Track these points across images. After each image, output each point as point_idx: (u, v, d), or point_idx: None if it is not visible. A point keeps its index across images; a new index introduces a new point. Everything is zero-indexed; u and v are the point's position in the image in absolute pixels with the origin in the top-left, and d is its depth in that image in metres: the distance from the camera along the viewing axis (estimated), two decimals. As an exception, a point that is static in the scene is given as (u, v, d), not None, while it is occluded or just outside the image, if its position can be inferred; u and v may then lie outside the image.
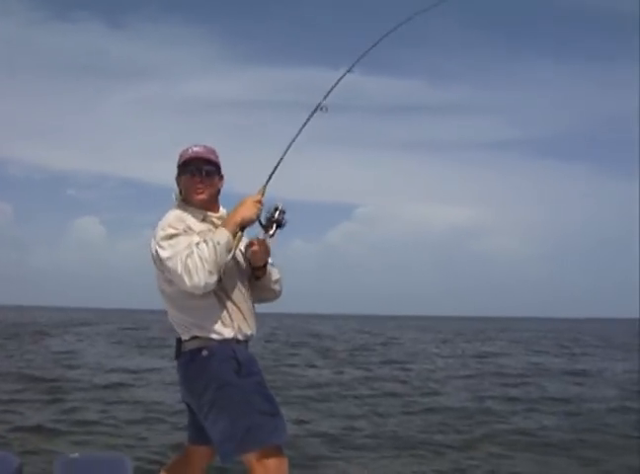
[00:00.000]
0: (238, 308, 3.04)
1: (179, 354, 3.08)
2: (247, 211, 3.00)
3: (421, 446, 7.62)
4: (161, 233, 2.93)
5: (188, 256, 2.79)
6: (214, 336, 2.96)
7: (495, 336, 44.65)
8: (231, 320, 3.00)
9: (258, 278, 3.18)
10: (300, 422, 8.64)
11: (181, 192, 3.15)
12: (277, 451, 2.90)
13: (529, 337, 43.92)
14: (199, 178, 3.09)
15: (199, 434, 3.11)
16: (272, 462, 2.88)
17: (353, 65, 3.43)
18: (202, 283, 2.80)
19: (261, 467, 2.86)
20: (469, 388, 13.24)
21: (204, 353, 2.96)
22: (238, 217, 2.98)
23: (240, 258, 3.11)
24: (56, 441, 6.88)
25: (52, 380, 12.28)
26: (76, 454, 3.34)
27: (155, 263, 2.97)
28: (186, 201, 3.12)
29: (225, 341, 2.97)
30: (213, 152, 3.17)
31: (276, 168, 3.13)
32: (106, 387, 11.58)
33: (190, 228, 2.98)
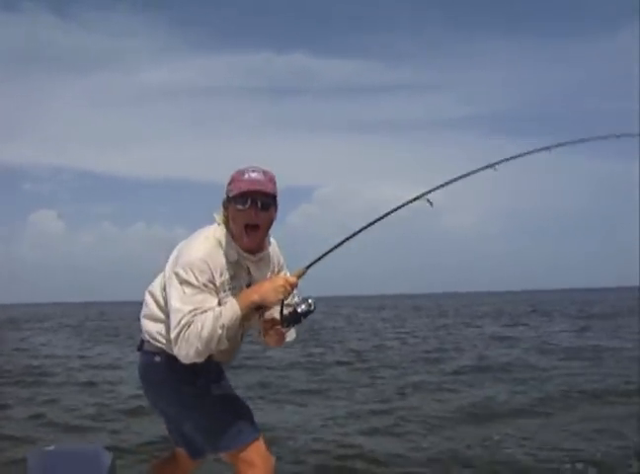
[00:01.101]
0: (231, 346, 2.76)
1: (139, 349, 2.95)
2: (272, 294, 2.61)
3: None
4: (181, 273, 2.60)
5: (187, 325, 2.53)
6: (167, 349, 2.77)
7: (449, 312, 45.30)
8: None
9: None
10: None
11: (226, 216, 2.73)
12: (255, 446, 2.76)
13: (481, 310, 44.78)
14: (253, 211, 2.64)
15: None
16: (253, 457, 2.73)
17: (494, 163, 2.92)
18: (186, 359, 2.60)
19: (243, 463, 2.74)
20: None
21: (157, 358, 2.82)
22: (258, 298, 2.62)
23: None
24: (25, 434, 6.72)
25: (18, 374, 12.04)
26: (52, 447, 3.19)
27: (165, 276, 2.74)
28: (228, 229, 2.72)
29: None
30: (272, 180, 2.71)
31: (326, 254, 2.70)
32: (67, 382, 11.35)
33: (211, 282, 2.62)
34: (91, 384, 10.65)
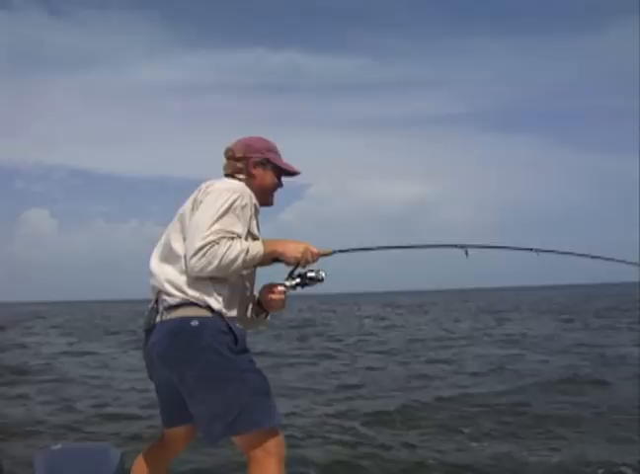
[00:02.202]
0: (246, 304, 2.82)
1: (153, 324, 2.68)
2: (292, 251, 2.73)
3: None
4: (219, 193, 2.63)
5: (212, 243, 2.50)
6: (216, 306, 2.61)
7: (430, 308, 45.43)
8: (236, 306, 2.71)
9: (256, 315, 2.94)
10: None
11: (248, 174, 2.87)
12: (274, 431, 2.58)
13: (459, 308, 44.95)
14: (278, 187, 2.95)
15: (174, 417, 2.81)
16: (271, 444, 2.54)
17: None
18: (195, 271, 2.53)
19: (259, 449, 2.53)
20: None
21: (194, 323, 2.56)
22: (280, 249, 2.72)
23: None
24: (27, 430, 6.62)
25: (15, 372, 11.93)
26: (59, 445, 3.07)
27: (196, 202, 2.68)
28: (256, 191, 2.82)
29: (220, 315, 2.62)
30: None
31: (355, 249, 2.91)
32: (59, 379, 11.27)
33: (246, 211, 2.67)
34: (86, 381, 10.59)
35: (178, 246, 2.68)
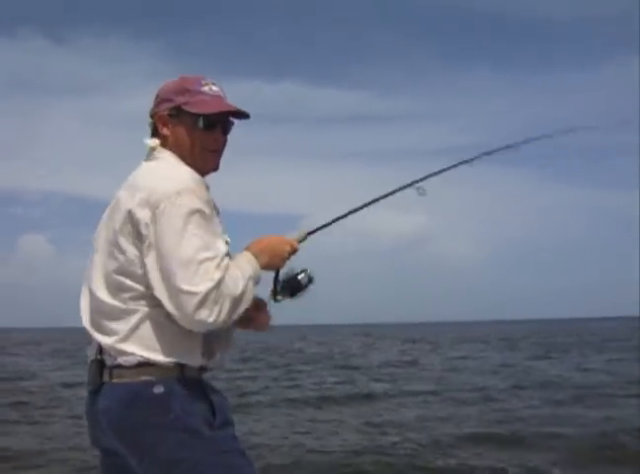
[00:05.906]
0: (222, 335, 1.93)
1: (99, 385, 1.86)
2: (277, 259, 1.96)
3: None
4: (179, 202, 1.73)
5: (218, 282, 1.71)
6: (185, 361, 1.83)
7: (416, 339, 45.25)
8: (211, 348, 1.89)
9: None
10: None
11: (165, 140, 1.94)
12: None
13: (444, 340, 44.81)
14: (219, 136, 1.96)
15: None
16: None
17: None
18: (204, 326, 1.74)
19: None
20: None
21: (158, 389, 1.78)
22: (268, 261, 1.92)
23: None
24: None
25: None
26: None
27: (133, 231, 1.78)
28: (180, 158, 1.92)
29: (190, 374, 1.85)
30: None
31: (332, 222, 2.17)
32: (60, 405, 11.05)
33: (212, 212, 1.85)
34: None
35: (120, 290, 1.84)
